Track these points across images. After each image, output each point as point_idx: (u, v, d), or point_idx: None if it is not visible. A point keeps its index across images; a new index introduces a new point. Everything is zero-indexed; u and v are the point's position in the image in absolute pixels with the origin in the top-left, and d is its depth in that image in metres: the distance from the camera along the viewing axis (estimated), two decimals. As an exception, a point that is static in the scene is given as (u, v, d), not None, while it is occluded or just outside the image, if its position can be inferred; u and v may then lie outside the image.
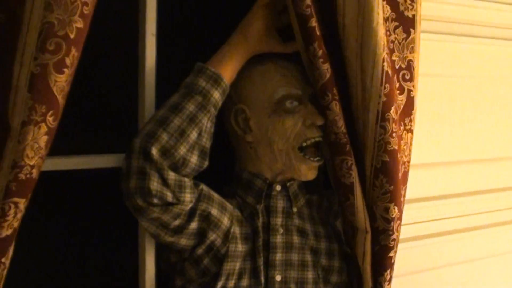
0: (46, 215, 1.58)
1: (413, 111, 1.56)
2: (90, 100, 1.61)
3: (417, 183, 1.86)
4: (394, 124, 1.46)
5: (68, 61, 1.12)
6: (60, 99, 1.13)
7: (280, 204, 1.52)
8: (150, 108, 1.41)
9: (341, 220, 1.60)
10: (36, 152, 1.12)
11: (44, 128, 1.12)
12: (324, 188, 1.69)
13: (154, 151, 1.30)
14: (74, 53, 1.13)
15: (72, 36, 1.12)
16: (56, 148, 1.21)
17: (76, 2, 1.11)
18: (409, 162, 1.58)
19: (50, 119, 1.12)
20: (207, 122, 1.38)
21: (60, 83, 1.12)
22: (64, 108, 1.15)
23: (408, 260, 1.93)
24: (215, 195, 1.46)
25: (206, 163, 1.40)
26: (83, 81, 1.28)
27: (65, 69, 1.12)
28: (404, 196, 1.56)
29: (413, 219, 1.92)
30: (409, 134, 1.56)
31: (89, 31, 1.15)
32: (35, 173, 1.14)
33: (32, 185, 1.15)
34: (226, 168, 1.62)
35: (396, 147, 1.47)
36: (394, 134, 1.46)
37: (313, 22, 1.39)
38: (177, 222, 1.38)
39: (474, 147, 2.07)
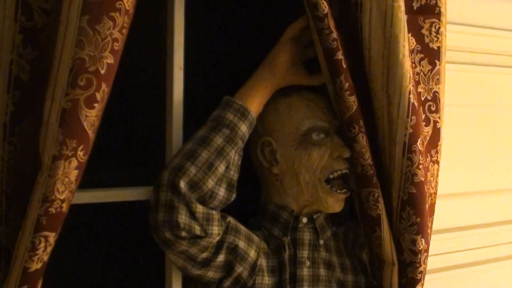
0: (74, 247, 1.58)
1: (439, 143, 1.55)
2: (118, 133, 1.63)
3: (441, 214, 1.83)
4: (420, 156, 1.45)
5: (98, 96, 1.13)
6: (91, 134, 1.14)
7: (306, 236, 1.52)
8: (177, 141, 1.41)
9: (367, 252, 1.58)
10: (66, 186, 1.13)
11: (74, 163, 1.13)
12: (349, 220, 1.67)
13: (183, 184, 1.31)
14: (105, 88, 1.14)
15: (102, 71, 1.13)
16: (84, 181, 1.22)
17: (106, 39, 1.13)
18: (435, 193, 1.56)
19: (80, 153, 1.13)
20: (234, 155, 1.38)
21: (91, 118, 1.13)
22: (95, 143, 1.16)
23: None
24: (242, 228, 1.45)
25: (234, 196, 1.40)
26: (112, 115, 1.28)
27: (96, 104, 1.13)
28: (431, 228, 1.54)
29: (437, 250, 1.90)
30: (436, 165, 1.55)
31: (119, 67, 1.16)
32: (65, 207, 1.15)
33: (62, 219, 1.16)
34: (252, 200, 1.61)
35: (423, 179, 1.46)
36: (421, 166, 1.45)
37: (340, 55, 1.39)
38: (204, 255, 1.37)
39: (497, 177, 2.05)
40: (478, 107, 2.00)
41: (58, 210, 1.14)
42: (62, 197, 1.13)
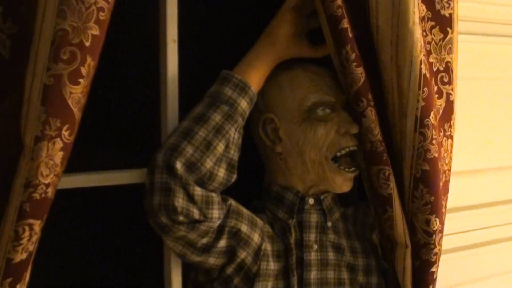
0: (64, 235, 1.49)
1: (452, 116, 1.47)
2: (109, 112, 1.53)
3: (456, 192, 1.74)
4: (433, 131, 1.37)
5: (83, 71, 1.05)
6: (76, 112, 1.06)
7: (313, 218, 1.44)
8: (173, 120, 1.33)
9: (378, 233, 1.51)
10: (51, 169, 1.05)
11: (59, 144, 1.05)
12: (358, 200, 1.59)
13: (179, 165, 1.22)
14: (90, 62, 1.05)
15: (87, 44, 1.04)
16: (73, 165, 1.14)
17: (91, 8, 1.04)
18: (449, 170, 1.49)
19: (65, 133, 1.05)
20: (234, 133, 1.29)
21: (76, 94, 1.04)
22: (80, 121, 1.07)
23: (449, 273, 1.82)
24: (245, 210, 1.37)
25: (235, 177, 1.32)
26: (100, 92, 1.20)
27: (81, 80, 1.05)
28: (445, 207, 1.47)
29: (451, 230, 1.81)
30: (449, 140, 1.47)
31: (105, 39, 1.08)
32: (50, 192, 1.06)
33: (47, 205, 1.07)
34: (254, 181, 1.54)
35: (436, 155, 1.38)
36: (434, 141, 1.37)
37: (345, 24, 1.31)
38: (204, 241, 1.29)
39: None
40: (491, 80, 1.91)
41: (43, 195, 1.05)
42: (46, 182, 1.04)
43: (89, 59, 1.05)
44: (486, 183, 1.92)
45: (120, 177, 1.30)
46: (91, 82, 1.08)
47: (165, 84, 1.32)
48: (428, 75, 1.36)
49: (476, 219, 1.91)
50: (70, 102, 1.04)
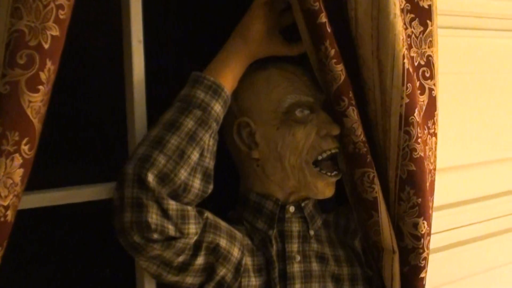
0: (25, 258, 1.37)
1: (436, 113, 1.41)
2: (70, 122, 1.40)
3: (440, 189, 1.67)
4: (418, 128, 1.30)
5: (43, 76, 0.94)
6: (36, 123, 0.95)
7: (295, 227, 1.35)
8: (141, 127, 1.22)
9: (362, 240, 1.43)
10: (10, 189, 0.94)
11: (18, 160, 0.94)
12: (336, 205, 1.50)
13: (151, 177, 1.12)
14: (50, 66, 0.95)
15: (46, 46, 0.94)
16: (34, 182, 1.03)
17: (49, 6, 0.94)
18: (435, 169, 1.42)
19: (25, 148, 0.94)
20: (209, 140, 1.20)
21: (35, 103, 0.94)
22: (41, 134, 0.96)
23: (434, 273, 1.75)
24: (222, 223, 1.28)
25: (211, 187, 1.22)
26: (61, 99, 1.09)
27: (40, 87, 0.94)
28: (432, 209, 1.39)
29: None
30: (433, 138, 1.41)
31: (66, 41, 0.97)
32: (10, 215, 0.95)
33: (7, 229, 0.96)
34: (228, 190, 1.44)
35: (422, 154, 1.32)
36: (419, 140, 1.31)
37: (323, 18, 1.23)
38: (181, 259, 1.19)
39: (493, 146, 1.92)
40: (471, 75, 1.85)
41: (2, 219, 0.94)
42: (5, 203, 0.93)
43: (49, 63, 0.95)
44: (466, 179, 1.86)
45: (85, 194, 1.18)
46: (52, 89, 0.97)
47: (131, 89, 1.22)
48: (411, 70, 1.29)
49: (459, 217, 1.85)
50: (29, 112, 0.93)
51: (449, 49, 1.73)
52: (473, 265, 1.91)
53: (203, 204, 1.24)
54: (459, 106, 1.80)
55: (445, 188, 1.74)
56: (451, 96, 1.75)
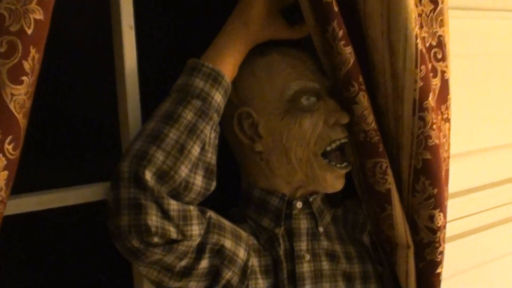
0: (18, 267, 1.26)
1: (448, 97, 1.32)
2: (58, 117, 1.29)
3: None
4: (433, 114, 1.21)
5: (27, 66, 0.84)
6: (21, 118, 0.85)
7: (303, 224, 1.26)
8: (134, 121, 1.13)
9: (371, 234, 1.34)
10: (-6, 194, 0.83)
11: (1, 161, 0.84)
12: (343, 198, 1.41)
13: (148, 175, 1.02)
14: (35, 54, 0.85)
15: (29, 31, 0.84)
16: (20, 185, 0.93)
17: (31, -14, 0.82)
18: (449, 157, 1.34)
19: (9, 147, 0.84)
20: (210, 132, 1.10)
21: (19, 96, 0.84)
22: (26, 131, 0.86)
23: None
24: (226, 223, 1.18)
25: (214, 184, 1.13)
26: (46, 93, 0.98)
27: (24, 78, 0.84)
28: (447, 200, 1.31)
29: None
30: (447, 124, 1.33)
31: (51, 27, 0.86)
32: (-5, 222, 0.84)
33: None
34: (228, 185, 1.32)
35: (437, 141, 1.23)
36: (434, 126, 1.22)
37: (330, -4, 1.12)
38: (183, 263, 1.09)
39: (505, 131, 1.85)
40: (482, 57, 1.76)
41: (-14, 227, 0.83)
42: (-11, 210, 0.82)
43: (33, 51, 0.85)
44: (479, 165, 1.78)
45: (76, 196, 1.09)
46: (37, 80, 0.86)
47: (122, 79, 1.12)
48: (424, 51, 1.20)
49: (474, 203, 1.78)
50: (12, 107, 0.84)
51: (460, 31, 1.63)
52: (486, 253, 1.85)
53: (202, 202, 1.15)
54: (470, 90, 1.71)
55: (457, 175, 1.65)
56: (461, 79, 1.66)
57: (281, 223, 1.24)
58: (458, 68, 1.58)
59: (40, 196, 1.06)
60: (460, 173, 1.70)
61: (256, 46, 1.22)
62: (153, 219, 1.03)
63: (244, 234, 1.20)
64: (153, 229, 1.02)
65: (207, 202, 1.16)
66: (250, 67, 1.23)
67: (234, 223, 1.22)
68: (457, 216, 1.73)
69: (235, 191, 1.33)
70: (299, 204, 1.25)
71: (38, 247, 1.32)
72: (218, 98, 1.12)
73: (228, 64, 1.15)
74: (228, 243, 1.15)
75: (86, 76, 1.29)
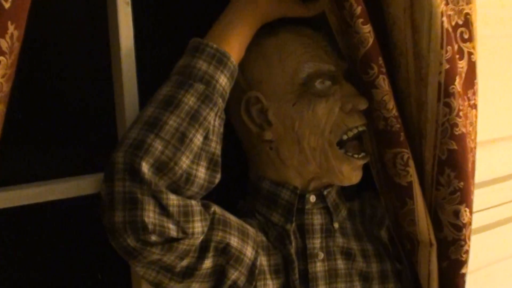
0: (7, 265, 1.17)
1: (475, 81, 1.22)
2: (45, 102, 1.18)
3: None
4: (460, 100, 1.11)
5: (4, 44, 0.75)
6: (-1, 104, 0.74)
7: (317, 220, 1.16)
8: (131, 106, 1.03)
9: (390, 229, 1.25)
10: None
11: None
12: (359, 189, 1.31)
13: (145, 167, 0.92)
14: (13, 31, 0.76)
15: (7, 5, 0.74)
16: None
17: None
18: (475, 147, 1.24)
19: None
20: (214, 119, 1.00)
21: (-5, 79, 0.73)
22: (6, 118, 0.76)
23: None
24: (232, 218, 1.09)
25: (219, 176, 1.02)
26: (31, 75, 0.88)
27: (1, 58, 0.74)
28: (473, 194, 1.20)
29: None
30: (474, 111, 1.23)
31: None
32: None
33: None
34: (234, 175, 1.24)
35: (464, 130, 1.13)
36: (461, 113, 1.12)
37: (347, -32, 1.03)
38: (185, 263, 1.00)
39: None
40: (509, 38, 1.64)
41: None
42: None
43: (11, 27, 0.75)
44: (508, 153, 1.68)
45: (66, 189, 0.99)
46: (17, 62, 0.76)
47: (118, 60, 1.02)
48: (450, 30, 1.09)
49: (498, 194, 1.68)
50: (-13, 91, 0.73)
51: (487, 8, 1.52)
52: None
53: (206, 195, 1.05)
54: (497, 73, 1.60)
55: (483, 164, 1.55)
56: (487, 61, 1.55)
57: (292, 219, 1.14)
58: (484, 49, 1.47)
59: (25, 190, 0.96)
60: (484, 162, 1.61)
61: (266, 25, 1.11)
62: (151, 216, 0.93)
63: (251, 230, 1.10)
64: (150, 227, 0.93)
65: (211, 195, 1.06)
66: (259, 47, 1.13)
67: (241, 218, 1.13)
68: (480, 207, 1.62)
69: (242, 182, 1.24)
70: (312, 198, 1.16)
71: (29, 243, 1.22)
72: (223, 81, 1.01)
73: (234, 44, 1.05)
74: (234, 241, 1.05)
75: (78, 56, 1.18)
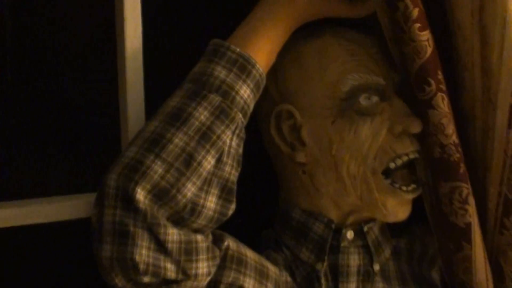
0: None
1: None
2: (41, 106, 1.03)
3: None
4: (536, 128, 0.97)
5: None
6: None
7: (353, 261, 0.99)
8: (136, 115, 0.90)
9: (444, 276, 1.08)
10: None
11: None
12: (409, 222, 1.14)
13: (142, 194, 0.77)
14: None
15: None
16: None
17: None
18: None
19: None
20: (231, 139, 0.84)
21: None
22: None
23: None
24: (249, 254, 0.93)
25: (233, 207, 0.87)
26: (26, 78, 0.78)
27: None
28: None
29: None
30: None
31: None
32: None
33: None
34: (262, 199, 1.12)
35: None
36: None
37: (402, -38, 0.89)
38: (187, 308, 0.84)
39: None
40: None
41: None
42: None
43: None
44: None
45: (47, 212, 0.83)
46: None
47: (122, 62, 0.86)
48: (527, 41, 0.94)
49: None
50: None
51: None
52: None
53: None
54: None
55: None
56: None
57: (324, 257, 0.98)
58: None
59: (11, 210, 0.82)
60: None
61: (304, 26, 0.96)
62: (143, 253, 0.77)
63: (273, 270, 0.95)
64: (142, 266, 0.77)
65: (232, 219, 0.90)
66: (295, 52, 0.98)
67: (266, 251, 0.99)
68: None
69: (272, 205, 1.09)
70: (349, 234, 0.99)
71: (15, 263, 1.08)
72: (245, 93, 0.85)
73: (263, 49, 0.89)
74: (249, 283, 0.90)
75: (82, 60, 1.03)
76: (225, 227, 0.89)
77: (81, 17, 1.00)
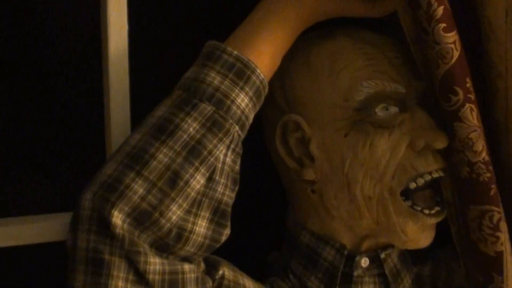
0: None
1: None
2: (21, 113, 0.94)
3: None
4: None
5: None
6: None
7: None
8: (120, 125, 0.80)
9: None
10: None
11: None
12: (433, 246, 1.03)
13: (119, 217, 0.68)
14: None
15: None
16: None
17: None
18: None
19: None
20: (225, 155, 0.74)
21: None
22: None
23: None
24: (248, 284, 0.83)
25: (227, 232, 0.77)
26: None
27: None
28: None
29: None
30: None
31: None
32: None
33: None
34: (269, 216, 1.02)
35: None
36: None
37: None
38: None
39: None
40: None
41: None
42: None
43: None
44: None
45: (17, 235, 0.74)
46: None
47: (106, 65, 0.77)
48: None
49: None
50: None
51: None
52: None
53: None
54: None
55: None
56: None
57: (335, 287, 0.87)
58: None
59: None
60: None
61: (314, 27, 0.85)
62: (120, 285, 0.68)
63: None
64: (117, 302, 0.67)
65: (238, 240, 0.81)
66: (304, 56, 0.87)
67: (270, 277, 0.89)
68: None
69: (281, 224, 0.99)
70: (364, 262, 0.88)
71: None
72: (243, 102, 0.75)
73: (264, 52, 0.79)
74: None
75: (66, 63, 0.94)
76: (227, 248, 0.79)
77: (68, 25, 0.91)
